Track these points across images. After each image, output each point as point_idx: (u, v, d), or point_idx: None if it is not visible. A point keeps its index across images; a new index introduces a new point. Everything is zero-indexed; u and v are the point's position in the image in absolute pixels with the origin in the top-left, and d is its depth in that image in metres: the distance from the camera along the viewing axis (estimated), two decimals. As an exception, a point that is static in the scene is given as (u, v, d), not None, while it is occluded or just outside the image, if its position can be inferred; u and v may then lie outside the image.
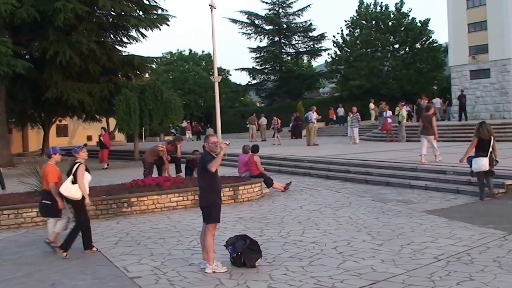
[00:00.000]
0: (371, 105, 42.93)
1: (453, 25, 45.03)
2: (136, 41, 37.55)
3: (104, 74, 34.94)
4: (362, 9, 57.72)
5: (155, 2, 35.74)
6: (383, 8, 57.05)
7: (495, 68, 41.86)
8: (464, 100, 37.38)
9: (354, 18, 58.16)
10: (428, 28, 56.06)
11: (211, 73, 45.89)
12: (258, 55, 68.94)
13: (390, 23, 56.28)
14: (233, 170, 19.90)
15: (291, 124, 42.94)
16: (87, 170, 9.87)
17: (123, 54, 37.25)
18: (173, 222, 12.28)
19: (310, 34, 68.24)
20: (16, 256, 9.76)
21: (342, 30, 58.54)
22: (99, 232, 11.25)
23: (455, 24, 44.67)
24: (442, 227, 10.60)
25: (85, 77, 34.66)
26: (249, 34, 68.67)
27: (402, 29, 55.87)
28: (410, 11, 56.53)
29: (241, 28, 68.73)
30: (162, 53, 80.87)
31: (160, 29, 35.30)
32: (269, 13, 67.72)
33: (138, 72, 38.59)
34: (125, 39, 38.00)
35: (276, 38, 68.62)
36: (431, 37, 56.23)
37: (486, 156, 13.20)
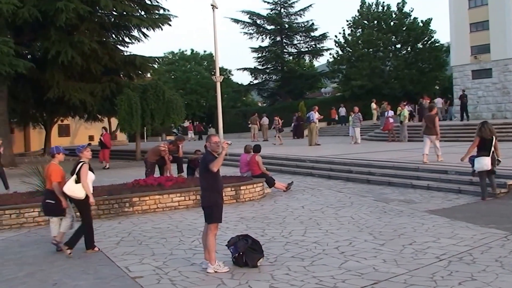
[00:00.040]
0: (373, 105, 42.89)
1: (455, 25, 45.05)
2: (138, 41, 37.63)
3: (106, 74, 35.00)
4: (364, 9, 57.68)
5: (157, 2, 35.82)
6: (385, 8, 57.00)
7: (497, 68, 41.86)
8: (466, 100, 37.34)
9: (356, 18, 58.12)
10: (430, 28, 55.99)
11: (213, 73, 45.93)
12: (260, 55, 68.90)
13: (392, 23, 56.21)
14: (235, 170, 19.88)
15: (293, 124, 42.91)
16: (91, 169, 9.89)
17: (125, 54, 37.31)
18: (175, 222, 12.28)
19: (312, 34, 68.15)
20: (18, 256, 9.76)
21: (344, 30, 58.57)
22: (101, 232, 11.25)
23: (457, 24, 44.68)
24: (444, 227, 10.59)
25: (87, 77, 34.71)
26: (251, 34, 68.64)
27: (404, 29, 55.81)
28: (412, 11, 56.54)
29: (243, 28, 68.73)
30: (164, 53, 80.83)
31: (162, 29, 35.39)
32: (271, 13, 67.67)
33: (140, 72, 38.65)
34: (127, 39, 38.06)
35: (278, 38, 68.56)
36: (433, 37, 56.17)
37: (489, 156, 13.20)
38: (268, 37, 68.86)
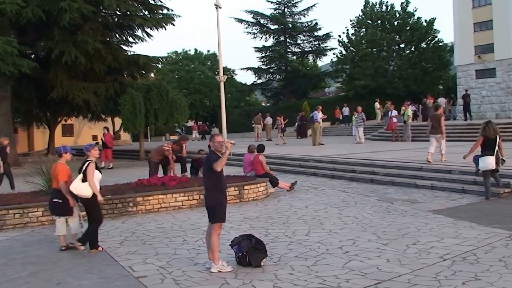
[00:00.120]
0: (377, 105, 42.86)
1: (458, 25, 44.98)
2: (142, 40, 37.58)
3: (110, 74, 35.00)
4: (367, 9, 57.60)
5: (161, 1, 35.74)
6: (389, 8, 56.89)
7: (500, 67, 41.79)
8: (469, 100, 37.31)
9: (360, 17, 58.06)
10: (434, 27, 55.91)
11: (216, 72, 45.96)
12: (263, 55, 68.94)
13: (395, 23, 56.13)
14: (238, 169, 19.90)
15: (296, 124, 42.95)
16: (97, 168, 9.92)
17: (129, 53, 37.26)
18: (178, 222, 12.29)
19: (316, 33, 68.20)
20: (22, 255, 9.77)
21: (347, 30, 58.49)
22: (105, 231, 11.26)
23: (461, 23, 44.62)
24: (447, 226, 10.58)
25: (90, 77, 34.71)
26: (254, 33, 68.71)
27: (407, 28, 55.71)
28: (415, 11, 56.44)
29: (246, 28, 68.81)
30: (168, 53, 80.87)
31: (165, 29, 35.31)
32: (275, 12, 67.70)
33: (143, 72, 38.65)
34: (130, 39, 38.01)
35: (282, 38, 68.59)
36: (436, 36, 56.07)
37: (493, 155, 13.19)
38: (271, 36, 68.94)
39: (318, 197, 15.30)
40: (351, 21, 58.89)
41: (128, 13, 33.15)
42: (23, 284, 8.01)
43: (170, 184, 14.78)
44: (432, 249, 8.91)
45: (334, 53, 62.27)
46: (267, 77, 70.98)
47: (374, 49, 56.26)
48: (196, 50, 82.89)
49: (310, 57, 72.74)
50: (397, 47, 57.12)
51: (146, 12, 35.13)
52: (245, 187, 15.28)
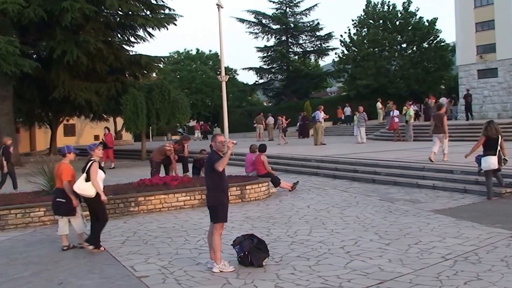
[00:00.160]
0: (379, 105, 42.84)
1: (460, 24, 44.96)
2: (144, 40, 37.62)
3: (112, 74, 35.04)
4: (369, 9, 57.62)
5: (163, 1, 35.77)
6: (391, 8, 56.91)
7: (502, 67, 41.77)
8: (470, 99, 37.28)
9: (362, 17, 58.08)
10: (436, 27, 55.90)
11: (218, 72, 45.88)
12: (265, 55, 68.94)
13: (397, 23, 56.14)
14: (240, 169, 19.89)
15: (298, 124, 42.97)
16: (101, 168, 9.94)
17: (131, 53, 37.31)
18: (180, 222, 12.29)
19: (317, 33, 68.16)
20: (24, 255, 9.78)
21: (349, 30, 58.45)
22: (106, 231, 11.23)
23: (463, 23, 44.59)
24: (449, 226, 10.57)
25: (92, 77, 34.74)
26: (256, 33, 68.70)
27: (409, 28, 55.70)
28: (417, 10, 56.46)
29: (248, 28, 68.80)
30: (169, 53, 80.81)
31: (167, 29, 35.35)
32: (276, 12, 67.70)
33: (145, 72, 38.67)
34: (132, 39, 38.05)
35: (283, 38, 68.57)
36: (438, 36, 56.04)
37: (495, 155, 13.19)
38: (273, 36, 68.92)
39: (320, 197, 15.30)
40: (353, 21, 58.99)
41: (130, 13, 33.17)
42: (25, 284, 8.02)
43: (172, 184, 14.79)
44: (434, 249, 8.91)
45: (336, 53, 62.28)
46: (269, 77, 71.00)
47: (376, 49, 56.25)
48: (198, 50, 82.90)
49: (312, 57, 72.71)
50: (399, 47, 57.13)
51: (148, 12, 35.14)
52: (247, 187, 15.28)
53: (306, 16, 67.84)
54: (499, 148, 13.29)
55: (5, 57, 26.64)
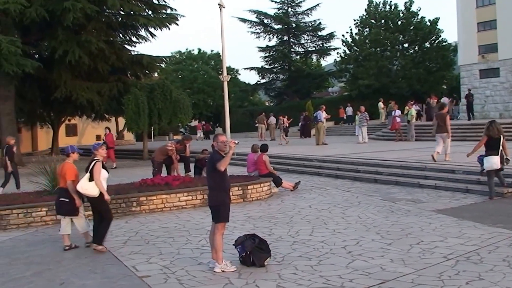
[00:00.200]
0: (380, 105, 42.82)
1: (462, 24, 44.95)
2: (145, 40, 37.68)
3: (113, 74, 35.07)
4: (371, 8, 57.56)
5: (164, 1, 35.79)
6: (392, 7, 56.82)
7: (504, 67, 41.75)
8: (472, 99, 37.26)
9: (363, 17, 58.00)
10: (438, 27, 55.78)
11: (220, 72, 45.94)
12: (267, 54, 68.90)
13: (399, 22, 56.04)
14: (242, 169, 19.90)
15: (300, 123, 42.97)
16: (104, 167, 9.95)
17: (132, 53, 37.36)
18: (182, 221, 12.29)
19: (319, 33, 68.11)
20: (26, 255, 9.79)
21: (351, 29, 58.42)
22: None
23: (465, 23, 44.57)
24: (451, 226, 10.57)
25: (94, 77, 34.78)
26: (258, 33, 68.66)
27: (411, 28, 55.61)
28: (419, 10, 56.29)
29: (250, 27, 68.78)
30: (171, 53, 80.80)
31: (169, 29, 35.35)
32: (278, 12, 67.67)
33: (147, 72, 38.72)
34: (134, 39, 38.10)
35: (285, 37, 68.56)
36: (440, 36, 55.94)
37: (497, 155, 13.18)
38: (275, 36, 68.90)
39: (321, 196, 15.29)
40: (354, 20, 58.97)
41: (132, 12, 33.17)
42: (26, 283, 8.02)
43: (174, 184, 14.79)
44: (436, 249, 8.90)
45: (337, 53, 62.29)
46: (271, 76, 71.00)
47: (378, 49, 56.20)
48: (199, 49, 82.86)
49: (314, 57, 72.71)
50: (400, 46, 57.01)
51: (150, 12, 35.16)
52: (249, 187, 15.28)
53: (308, 16, 67.89)
54: (501, 148, 13.29)
55: (7, 57, 26.69)
